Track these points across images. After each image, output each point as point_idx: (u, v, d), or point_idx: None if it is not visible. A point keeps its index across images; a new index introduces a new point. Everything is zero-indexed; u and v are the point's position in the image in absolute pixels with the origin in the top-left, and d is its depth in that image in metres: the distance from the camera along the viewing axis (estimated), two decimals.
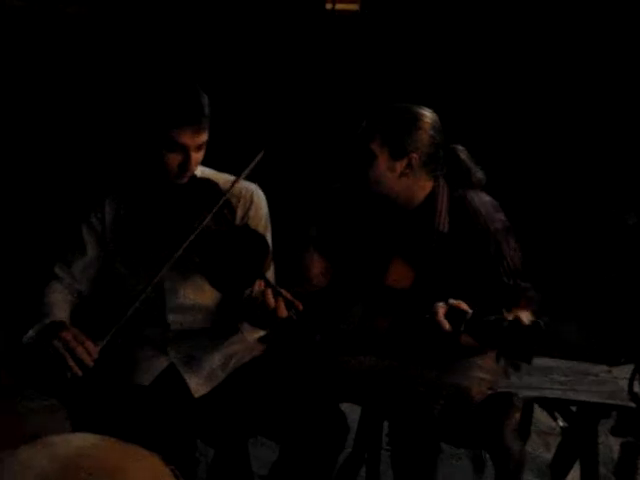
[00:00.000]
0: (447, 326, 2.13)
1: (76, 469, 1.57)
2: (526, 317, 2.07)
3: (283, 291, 2.11)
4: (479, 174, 2.54)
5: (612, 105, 5.00)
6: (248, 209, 2.38)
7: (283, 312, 2.08)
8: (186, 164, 2.22)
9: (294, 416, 2.21)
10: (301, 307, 2.10)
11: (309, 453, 2.17)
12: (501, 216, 2.46)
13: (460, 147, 2.56)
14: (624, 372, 3.53)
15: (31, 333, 2.17)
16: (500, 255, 2.40)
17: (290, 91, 4.98)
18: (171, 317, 2.34)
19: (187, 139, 2.19)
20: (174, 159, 2.21)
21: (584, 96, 5.18)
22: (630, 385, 3.49)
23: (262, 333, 2.44)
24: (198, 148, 2.24)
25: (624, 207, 4.74)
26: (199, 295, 2.34)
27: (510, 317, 2.05)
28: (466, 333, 2.13)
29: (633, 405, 2.86)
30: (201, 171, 2.36)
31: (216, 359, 2.36)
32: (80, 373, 2.07)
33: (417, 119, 2.42)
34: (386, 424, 2.58)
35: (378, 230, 2.53)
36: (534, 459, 3.25)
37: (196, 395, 2.29)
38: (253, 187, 2.42)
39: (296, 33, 5.40)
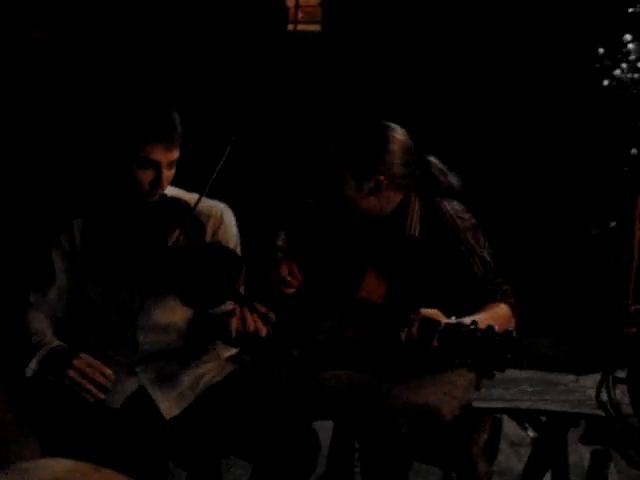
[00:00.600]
0: (415, 337, 2.14)
1: None
2: (498, 326, 2.08)
3: (257, 305, 2.12)
4: (454, 180, 2.55)
5: (578, 118, 5.08)
6: (218, 228, 2.38)
7: (262, 330, 2.11)
8: (157, 181, 2.22)
9: (266, 435, 2.20)
10: (274, 318, 2.12)
11: (281, 472, 2.16)
12: (469, 216, 2.48)
13: (432, 158, 2.55)
14: (591, 381, 3.57)
15: (33, 365, 2.18)
16: (472, 251, 2.41)
17: (254, 110, 4.99)
18: (141, 337, 2.33)
19: (159, 155, 2.19)
20: (146, 176, 2.21)
21: (551, 109, 5.27)
22: (597, 394, 3.54)
23: (235, 350, 2.43)
24: (170, 165, 2.24)
25: (587, 218, 4.81)
26: (170, 314, 2.34)
27: (482, 326, 2.06)
28: (439, 344, 2.13)
29: (601, 413, 2.90)
30: (170, 191, 2.35)
31: (186, 379, 2.34)
32: (103, 397, 2.13)
33: (386, 141, 2.40)
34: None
35: (350, 243, 2.54)
36: (506, 470, 3.27)
37: (167, 417, 2.27)
38: (222, 206, 2.43)
39: (259, 54, 5.42)
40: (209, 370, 2.40)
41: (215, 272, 2.14)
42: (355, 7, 5.55)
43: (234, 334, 2.12)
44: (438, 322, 2.14)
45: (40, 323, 2.31)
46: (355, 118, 2.54)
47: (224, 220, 2.41)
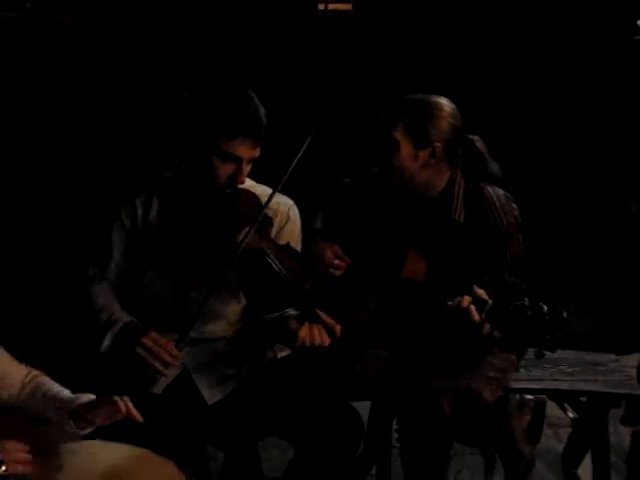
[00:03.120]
0: (477, 317, 2.12)
1: (96, 472, 1.58)
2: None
3: (324, 316, 2.13)
4: (495, 167, 2.53)
5: (614, 94, 5.00)
6: (284, 225, 2.36)
7: (326, 342, 2.13)
8: (237, 175, 2.19)
9: (309, 416, 2.19)
10: (339, 331, 2.13)
11: (326, 453, 2.15)
12: (515, 210, 2.46)
13: (476, 137, 2.54)
14: (632, 360, 3.53)
15: (107, 341, 2.21)
16: (507, 251, 2.40)
17: (286, 92, 4.97)
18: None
19: (244, 151, 2.17)
20: (225, 169, 2.18)
21: (586, 86, 5.18)
22: (638, 373, 3.50)
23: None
24: (250, 161, 2.21)
25: (626, 194, 4.74)
26: (222, 306, 2.32)
27: (532, 305, 2.03)
28: (488, 322, 2.12)
29: None
30: None
31: (229, 365, 2.34)
32: (168, 374, 2.17)
33: (438, 108, 2.41)
34: (396, 421, 2.57)
35: (393, 222, 2.52)
36: (545, 451, 3.24)
37: (210, 402, 2.28)
38: (290, 203, 2.40)
39: (289, 34, 5.39)
40: (252, 356, 2.40)
41: (284, 276, 2.13)
42: None
43: (299, 344, 2.13)
44: (486, 300, 2.13)
45: (105, 297, 2.31)
46: (387, 98, 2.52)
47: (290, 217, 2.38)
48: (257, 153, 2.21)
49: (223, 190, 2.22)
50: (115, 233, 2.35)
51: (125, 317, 2.25)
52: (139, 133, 4.95)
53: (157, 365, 2.12)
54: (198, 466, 2.15)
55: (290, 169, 2.21)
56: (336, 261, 2.43)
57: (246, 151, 2.17)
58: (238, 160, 2.17)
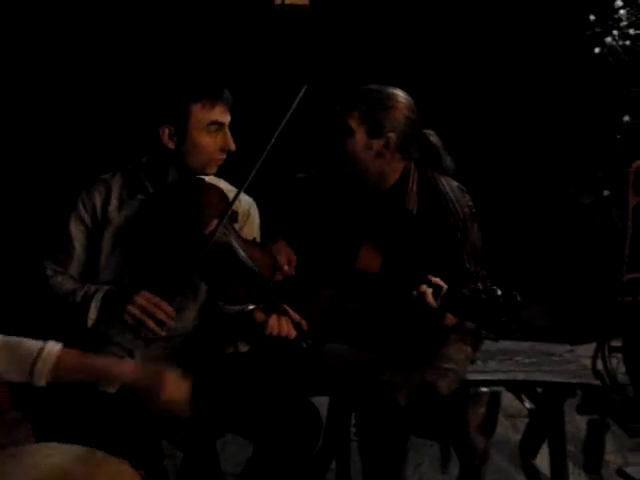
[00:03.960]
0: (433, 302, 2.14)
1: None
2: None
3: (290, 311, 2.14)
4: (448, 161, 2.55)
5: (570, 87, 5.05)
6: (244, 223, 2.37)
7: (292, 334, 2.13)
8: (228, 142, 2.25)
9: (267, 412, 2.18)
10: (305, 325, 2.14)
11: (285, 449, 2.14)
12: (468, 201, 2.48)
13: (431, 132, 2.56)
14: (587, 350, 3.60)
15: (93, 314, 2.14)
16: (465, 240, 2.41)
17: (241, 86, 4.94)
18: None
19: (226, 117, 2.25)
20: (216, 142, 2.24)
21: (540, 79, 5.23)
22: (593, 363, 3.57)
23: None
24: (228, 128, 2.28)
25: (580, 187, 4.80)
26: (182, 303, 2.30)
27: (486, 289, 2.06)
28: (444, 308, 2.15)
29: (597, 383, 2.91)
30: (209, 178, 2.34)
31: (186, 362, 2.31)
32: (163, 334, 2.11)
33: (394, 99, 2.43)
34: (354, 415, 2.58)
35: (348, 214, 2.53)
36: (503, 442, 3.28)
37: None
38: (251, 201, 2.43)
39: (246, 29, 5.36)
40: (208, 353, 2.38)
41: (249, 269, 2.13)
42: None
43: (267, 334, 2.12)
44: (441, 286, 2.15)
45: (70, 283, 2.25)
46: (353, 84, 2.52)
47: (251, 215, 2.40)
48: (230, 118, 2.28)
49: (219, 162, 2.27)
50: (73, 227, 2.30)
51: (103, 286, 2.19)
52: (96, 125, 4.89)
53: (152, 325, 2.07)
54: (153, 465, 2.13)
55: (257, 166, 2.21)
56: (285, 267, 2.45)
57: (227, 116, 2.25)
58: (222, 127, 2.24)
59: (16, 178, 4.63)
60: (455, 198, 2.44)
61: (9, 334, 1.79)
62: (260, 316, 2.16)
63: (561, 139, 5.10)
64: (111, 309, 2.13)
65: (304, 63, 5.22)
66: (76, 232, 2.30)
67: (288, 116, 2.22)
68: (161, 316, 2.08)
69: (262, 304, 2.19)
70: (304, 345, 2.15)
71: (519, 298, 2.03)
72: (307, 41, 5.45)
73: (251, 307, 2.22)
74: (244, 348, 2.42)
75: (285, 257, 2.47)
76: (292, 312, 2.16)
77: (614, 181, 4.42)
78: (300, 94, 2.23)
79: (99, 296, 2.16)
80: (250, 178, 2.21)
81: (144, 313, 2.07)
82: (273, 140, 2.20)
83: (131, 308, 2.07)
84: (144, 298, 2.09)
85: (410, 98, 2.47)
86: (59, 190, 2.59)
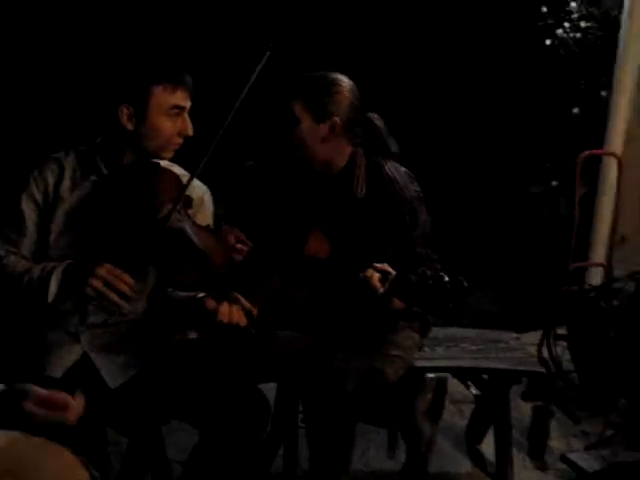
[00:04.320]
0: (381, 289, 2.14)
1: None
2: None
3: (241, 299, 2.12)
4: (393, 146, 2.56)
5: (520, 78, 5.09)
6: (198, 210, 2.35)
7: (243, 322, 2.11)
8: (187, 126, 2.24)
9: (215, 399, 2.16)
10: (256, 313, 2.13)
11: (232, 435, 2.12)
12: (415, 186, 2.49)
13: (376, 116, 2.57)
14: (532, 338, 3.66)
15: (53, 288, 2.10)
16: (415, 223, 2.42)
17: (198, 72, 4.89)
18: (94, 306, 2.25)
19: (186, 101, 2.24)
20: (175, 126, 2.23)
21: (490, 69, 5.27)
22: (539, 351, 3.62)
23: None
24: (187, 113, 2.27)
25: (529, 177, 4.86)
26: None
27: (433, 275, 2.08)
28: (392, 294, 2.15)
29: (542, 370, 2.96)
30: (163, 162, 2.30)
31: (133, 348, 2.29)
32: (127, 307, 2.09)
33: (337, 84, 2.44)
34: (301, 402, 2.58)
35: (296, 201, 2.53)
36: (449, 427, 3.31)
37: (112, 386, 2.22)
38: (204, 188, 2.41)
39: (206, 10, 5.31)
40: (155, 338, 2.35)
41: (202, 256, 2.11)
42: None
43: (218, 321, 2.10)
44: (389, 272, 2.16)
45: (24, 263, 2.21)
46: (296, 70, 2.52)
47: (205, 202, 2.39)
48: (190, 103, 2.27)
49: (176, 147, 2.27)
50: (25, 206, 2.25)
51: (61, 262, 2.15)
52: (50, 105, 4.80)
53: (114, 297, 2.03)
54: (96, 451, 2.10)
55: (210, 152, 2.19)
56: (238, 245, 2.43)
57: (187, 100, 2.24)
58: (182, 111, 2.23)
59: None
60: (403, 183, 2.44)
61: None
62: (211, 303, 2.14)
63: (511, 129, 5.15)
64: (72, 283, 2.09)
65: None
66: (28, 211, 2.25)
67: (247, 88, 2.19)
68: (124, 288, 2.04)
69: (213, 291, 2.17)
70: (253, 332, 2.14)
71: (465, 284, 2.05)
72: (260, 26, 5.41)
73: (202, 294, 2.20)
74: (192, 335, 2.40)
75: (233, 237, 2.45)
76: (243, 300, 2.14)
77: (562, 171, 4.48)
78: (263, 61, 2.22)
79: (59, 270, 2.12)
80: (203, 163, 2.18)
81: (106, 285, 2.03)
82: (229, 119, 2.17)
83: (93, 281, 2.03)
84: (106, 270, 2.05)
85: (352, 83, 2.48)
86: (11, 169, 2.53)
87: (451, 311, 2.06)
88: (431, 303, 2.09)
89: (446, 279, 2.06)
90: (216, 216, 2.52)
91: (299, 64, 2.73)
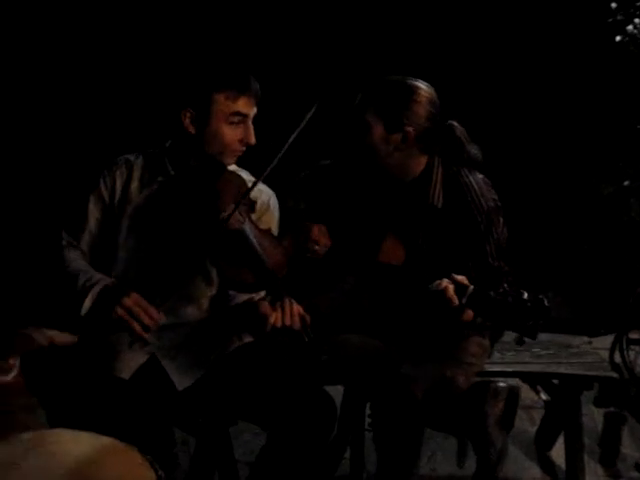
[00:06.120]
0: (457, 302, 2.11)
1: (57, 466, 1.55)
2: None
3: (295, 303, 2.14)
4: (475, 150, 2.50)
5: (591, 76, 5.00)
6: (264, 213, 2.37)
7: (297, 325, 2.13)
8: (249, 134, 2.24)
9: (281, 400, 2.16)
10: (309, 320, 2.14)
11: (299, 437, 2.12)
12: (493, 195, 2.44)
13: (456, 124, 2.50)
14: (605, 343, 3.57)
15: (88, 303, 2.16)
16: (489, 235, 2.38)
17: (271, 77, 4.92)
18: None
19: (250, 108, 2.24)
20: (237, 133, 2.23)
21: (563, 69, 5.18)
22: (611, 356, 3.53)
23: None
24: (252, 120, 2.27)
25: (600, 177, 4.75)
26: (195, 291, 2.31)
27: (513, 292, 2.03)
28: (469, 308, 2.11)
29: (615, 375, 2.88)
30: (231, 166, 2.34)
31: (199, 350, 2.31)
32: (146, 336, 2.14)
33: (414, 92, 2.38)
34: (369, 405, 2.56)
35: (371, 206, 2.50)
36: (519, 433, 3.25)
37: (180, 388, 2.25)
38: (271, 193, 2.42)
39: (273, 14, 5.34)
40: (223, 341, 2.37)
41: (259, 257, 2.13)
42: None
43: (269, 326, 2.13)
44: (467, 286, 2.12)
45: (80, 262, 2.28)
46: (377, 74, 2.50)
47: (270, 206, 2.40)
48: (255, 111, 2.28)
49: (238, 154, 2.28)
50: (92, 203, 2.33)
51: (105, 278, 2.22)
52: (123, 109, 4.90)
53: (136, 327, 2.09)
54: (163, 452, 2.13)
55: (280, 155, 2.19)
56: (322, 238, 2.43)
57: (251, 108, 2.24)
58: (245, 119, 2.23)
59: (44, 158, 4.66)
60: (480, 192, 2.39)
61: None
62: (265, 307, 2.16)
63: (582, 129, 5.05)
64: (103, 305, 2.15)
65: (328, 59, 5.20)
66: (93, 208, 2.33)
67: (302, 125, 2.21)
68: (147, 321, 2.10)
69: (269, 295, 2.20)
70: (306, 339, 2.14)
71: (546, 302, 1.99)
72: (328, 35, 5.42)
73: (258, 297, 2.23)
74: (248, 339, 2.41)
75: (317, 229, 2.45)
76: (297, 306, 2.15)
77: (634, 171, 4.38)
78: (311, 112, 2.22)
79: (96, 290, 2.18)
80: (269, 168, 2.20)
81: (130, 315, 2.10)
82: (294, 136, 2.19)
83: (119, 309, 2.10)
84: (132, 300, 2.11)
85: (432, 90, 2.43)
86: (83, 170, 2.60)
87: (531, 329, 2.00)
88: (509, 321, 2.02)
89: (525, 296, 2.00)
90: (296, 211, 2.52)
91: (379, 66, 2.71)
